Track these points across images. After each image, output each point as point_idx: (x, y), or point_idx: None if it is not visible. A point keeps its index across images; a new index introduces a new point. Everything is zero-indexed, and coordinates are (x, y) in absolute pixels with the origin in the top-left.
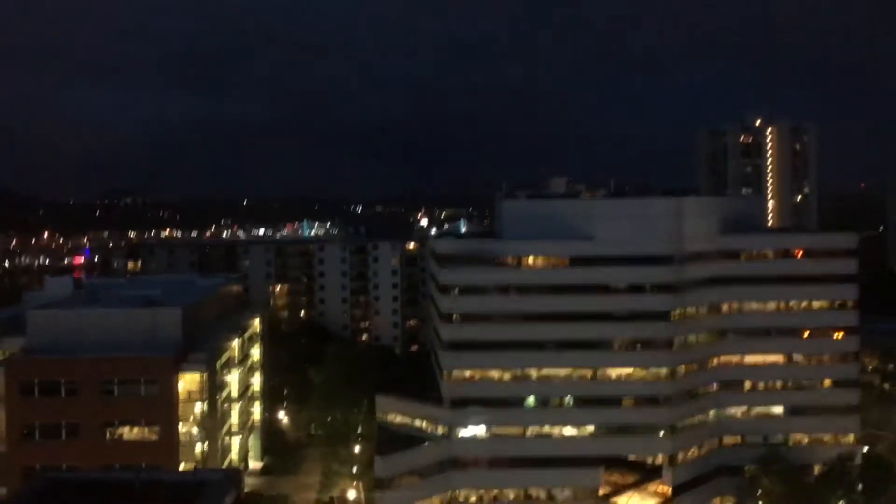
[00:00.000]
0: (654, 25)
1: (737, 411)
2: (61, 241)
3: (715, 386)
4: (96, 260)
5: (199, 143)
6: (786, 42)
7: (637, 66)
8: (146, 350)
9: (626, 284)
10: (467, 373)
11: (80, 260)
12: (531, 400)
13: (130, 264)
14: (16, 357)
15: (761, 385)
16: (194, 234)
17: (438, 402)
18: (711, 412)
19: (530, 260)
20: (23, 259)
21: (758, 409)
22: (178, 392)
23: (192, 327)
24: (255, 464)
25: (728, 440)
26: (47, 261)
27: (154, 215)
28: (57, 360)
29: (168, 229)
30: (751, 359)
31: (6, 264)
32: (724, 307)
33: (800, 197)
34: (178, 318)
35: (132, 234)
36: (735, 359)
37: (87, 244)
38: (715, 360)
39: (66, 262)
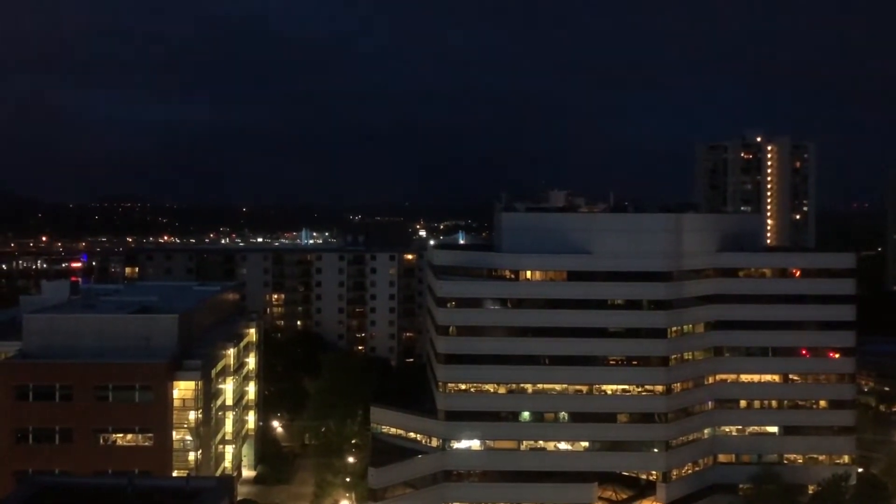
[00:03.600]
0: (657, 39)
1: (732, 429)
2: (59, 244)
3: (710, 404)
4: (94, 264)
5: (199, 148)
6: (788, 59)
7: (639, 80)
8: (141, 356)
9: (624, 300)
10: (462, 386)
11: (78, 264)
12: (526, 414)
13: (128, 270)
14: (10, 361)
15: (757, 404)
16: (192, 240)
17: (433, 415)
18: (706, 430)
19: (528, 273)
20: (20, 262)
21: (753, 428)
22: (172, 399)
23: (188, 334)
24: (248, 472)
25: (723, 458)
26: (45, 264)
27: (152, 221)
28: (51, 365)
29: (166, 235)
30: (747, 377)
31: (3, 267)
32: (721, 325)
33: (799, 215)
34: (174, 325)
35: (130, 240)
36: (731, 377)
37: (85, 248)
38: (711, 378)
39: (63, 266)
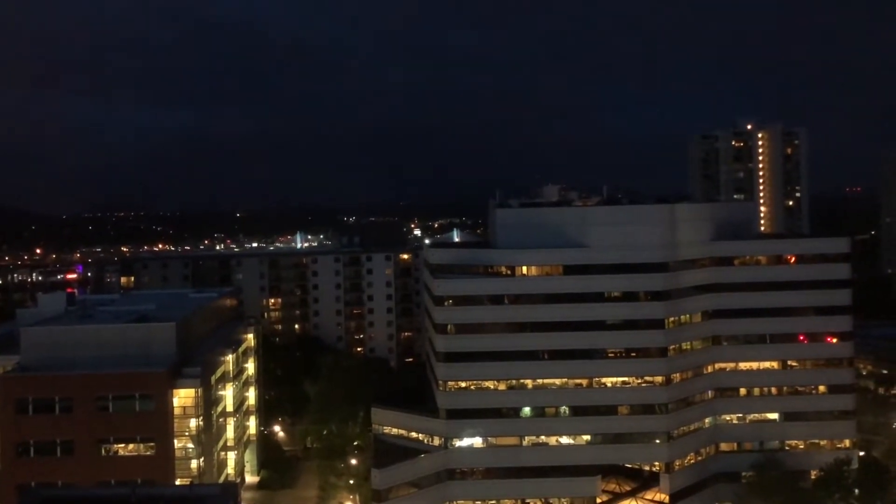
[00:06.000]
0: (648, 32)
1: (733, 418)
2: (54, 256)
3: (710, 393)
4: (89, 275)
5: (191, 155)
6: (778, 48)
7: (631, 73)
8: (141, 365)
9: (620, 292)
10: (463, 383)
11: (74, 276)
12: (527, 409)
13: (124, 279)
14: (10, 374)
15: (756, 391)
16: (187, 247)
17: (434, 414)
18: (707, 419)
19: (524, 269)
20: (16, 275)
21: (754, 416)
22: (172, 407)
23: (187, 342)
24: (251, 478)
25: (725, 446)
26: (40, 277)
27: (147, 229)
28: (51, 377)
29: (161, 243)
30: (746, 365)
31: None
32: (718, 314)
33: (791, 201)
34: (172, 333)
35: (125, 249)
36: (730, 365)
37: (80, 259)
38: (710, 367)
39: (59, 277)
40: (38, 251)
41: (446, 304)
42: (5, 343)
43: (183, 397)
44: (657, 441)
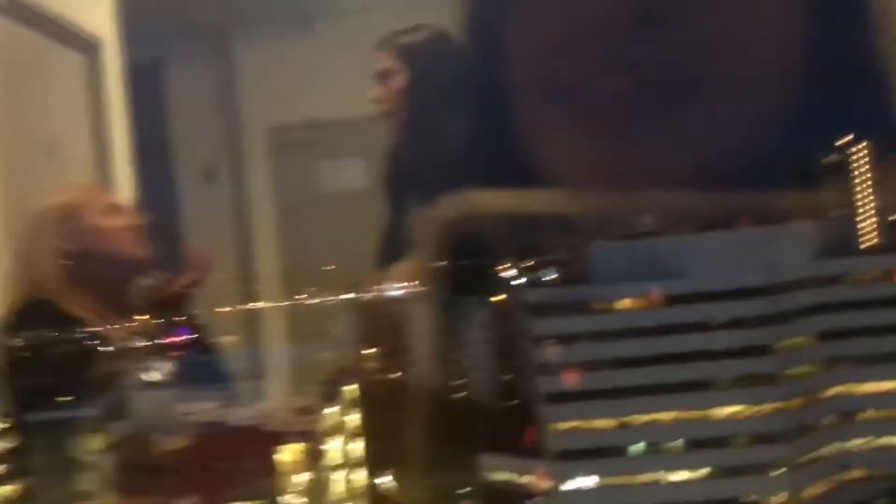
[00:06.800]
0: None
1: (858, 443)
2: None
3: (831, 418)
4: None
5: None
6: None
7: None
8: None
9: (724, 320)
10: (570, 424)
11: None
12: (638, 447)
13: None
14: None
15: (882, 414)
16: None
17: (541, 456)
18: (831, 446)
19: (623, 303)
20: None
21: (883, 440)
22: (279, 462)
23: None
24: None
25: (853, 474)
26: None
27: None
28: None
29: None
30: (867, 387)
31: None
32: (831, 335)
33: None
34: None
35: None
36: (850, 388)
37: None
38: (828, 391)
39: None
40: None
41: (547, 343)
42: None
43: (290, 452)
44: (777, 472)
